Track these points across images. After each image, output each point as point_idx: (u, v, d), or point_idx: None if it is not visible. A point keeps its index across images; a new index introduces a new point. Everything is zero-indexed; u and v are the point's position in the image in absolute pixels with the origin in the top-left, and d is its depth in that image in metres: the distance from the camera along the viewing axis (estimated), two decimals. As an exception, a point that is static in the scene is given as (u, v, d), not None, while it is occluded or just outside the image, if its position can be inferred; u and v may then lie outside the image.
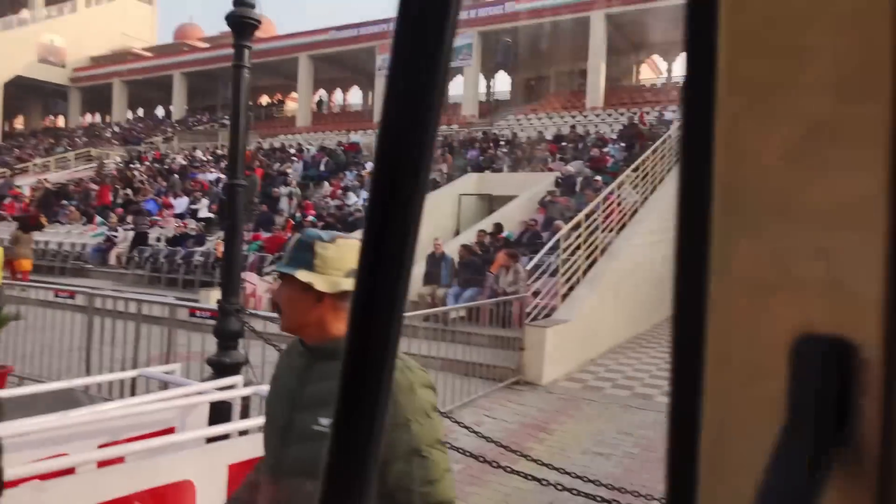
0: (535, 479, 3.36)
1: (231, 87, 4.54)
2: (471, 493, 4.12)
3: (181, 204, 17.77)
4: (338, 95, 36.13)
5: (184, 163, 23.25)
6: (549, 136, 18.87)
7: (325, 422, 1.34)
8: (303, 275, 1.38)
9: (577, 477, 3.46)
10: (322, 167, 19.38)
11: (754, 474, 0.27)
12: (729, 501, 0.30)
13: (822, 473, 0.26)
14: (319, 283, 1.38)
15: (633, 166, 11.92)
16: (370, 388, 0.33)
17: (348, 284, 1.38)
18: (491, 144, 18.65)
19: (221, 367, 4.28)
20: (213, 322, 4.73)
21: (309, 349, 1.45)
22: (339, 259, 1.40)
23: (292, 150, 22.65)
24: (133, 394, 4.48)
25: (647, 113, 19.38)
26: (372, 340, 0.32)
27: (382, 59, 27.06)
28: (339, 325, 1.42)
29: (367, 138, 22.38)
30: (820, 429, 0.27)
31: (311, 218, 14.43)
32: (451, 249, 10.32)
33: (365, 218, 0.32)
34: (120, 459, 2.38)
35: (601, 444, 5.18)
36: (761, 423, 0.29)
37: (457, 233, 13.12)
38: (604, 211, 10.14)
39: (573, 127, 19.46)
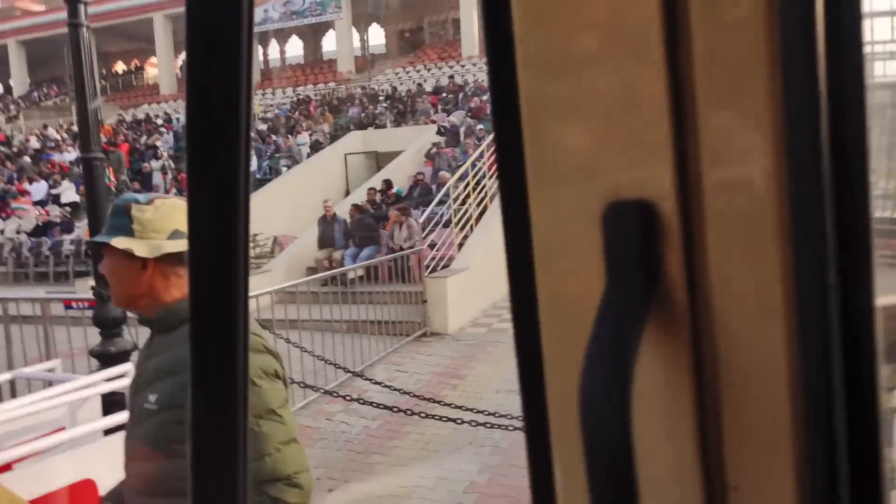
0: (451, 420, 3.44)
1: (71, 50, 4.10)
2: (391, 446, 4.16)
3: (39, 189, 16.12)
4: (203, 60, 33.83)
5: (37, 145, 21.07)
6: (429, 88, 18.76)
7: (153, 398, 1.24)
8: (120, 241, 1.27)
9: (491, 414, 3.58)
10: (195, 137, 18.21)
11: (586, 336, 0.29)
12: (569, 364, 0.31)
13: (638, 326, 0.28)
14: (139, 248, 1.28)
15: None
16: (223, 351, 0.32)
17: (173, 246, 1.29)
18: (371, 100, 18.29)
19: (108, 357, 3.99)
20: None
21: (145, 323, 1.35)
22: (160, 220, 1.30)
23: (160, 121, 21.09)
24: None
25: (522, 58, 19.67)
26: (219, 302, 0.32)
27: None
28: (171, 292, 1.31)
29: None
30: (633, 284, 0.29)
31: (189, 192, 13.61)
32: (344, 210, 10.13)
33: (187, 187, 0.31)
34: (6, 467, 2.17)
35: (511, 381, 5.35)
36: (588, 287, 0.31)
37: (347, 193, 12.89)
38: (489, 158, 10.29)
39: (451, 77, 19.45)
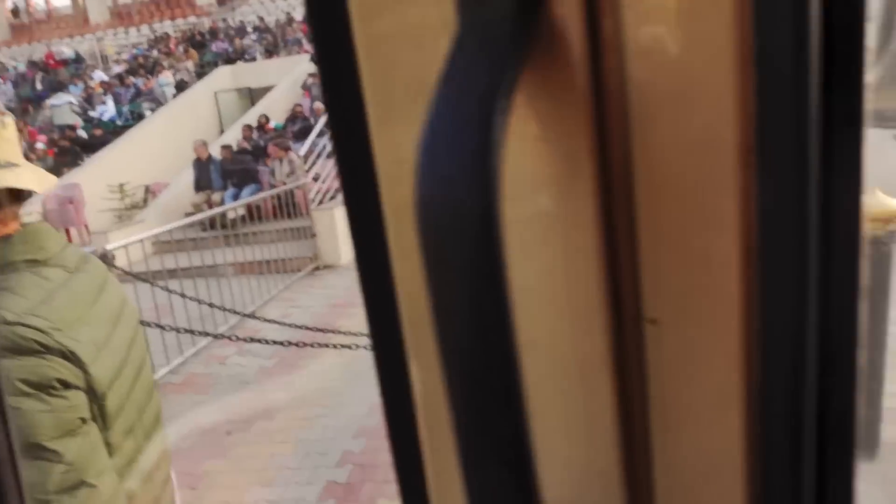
0: (346, 347, 3.38)
1: None
2: (289, 381, 4.06)
3: None
4: (38, -2, 30.06)
5: None
6: (298, 17, 17.75)
7: None
8: None
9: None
10: (39, 85, 16.39)
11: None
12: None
13: (509, 78, 0.19)
14: None
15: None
16: None
17: (8, 180, 0.94)
18: (239, 33, 17.11)
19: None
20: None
21: None
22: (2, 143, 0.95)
23: (-8, 71, 18.79)
24: None
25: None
26: None
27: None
28: None
29: (86, 44, 19.23)
30: (499, 15, 0.20)
31: (40, 145, 12.33)
32: (219, 150, 9.55)
33: None
34: None
35: (407, 304, 5.36)
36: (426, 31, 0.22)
37: (221, 132, 12.15)
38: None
39: (322, 2, 18.52)
